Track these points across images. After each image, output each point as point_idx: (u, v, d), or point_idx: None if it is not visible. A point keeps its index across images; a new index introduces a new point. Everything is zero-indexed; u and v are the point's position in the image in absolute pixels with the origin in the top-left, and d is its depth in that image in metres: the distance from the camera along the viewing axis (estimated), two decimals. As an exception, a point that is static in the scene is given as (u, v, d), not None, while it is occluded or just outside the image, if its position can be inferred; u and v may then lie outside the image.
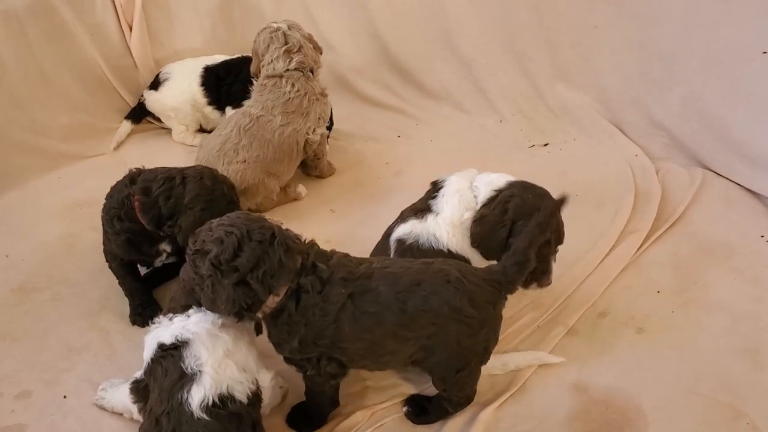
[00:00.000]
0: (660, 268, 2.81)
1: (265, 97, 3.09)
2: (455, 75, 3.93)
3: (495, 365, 2.34)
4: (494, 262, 2.15)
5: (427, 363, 2.06)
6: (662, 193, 3.19)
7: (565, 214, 3.08)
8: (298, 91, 3.09)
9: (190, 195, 2.44)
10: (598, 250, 2.86)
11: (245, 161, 3.02)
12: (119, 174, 3.26)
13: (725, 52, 3.16)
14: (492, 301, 2.02)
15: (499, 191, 2.34)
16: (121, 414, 2.23)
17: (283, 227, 2.01)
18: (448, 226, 2.31)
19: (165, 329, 2.03)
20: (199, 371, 1.92)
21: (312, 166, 3.36)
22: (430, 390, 2.27)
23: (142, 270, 2.77)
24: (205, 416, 1.87)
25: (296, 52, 3.12)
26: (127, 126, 3.69)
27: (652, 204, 3.11)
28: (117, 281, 2.70)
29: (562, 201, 2.36)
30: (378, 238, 2.55)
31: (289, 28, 3.16)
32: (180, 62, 3.70)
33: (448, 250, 2.28)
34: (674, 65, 3.40)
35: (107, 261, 2.69)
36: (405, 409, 2.25)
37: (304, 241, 2.04)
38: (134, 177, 2.54)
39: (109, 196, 2.59)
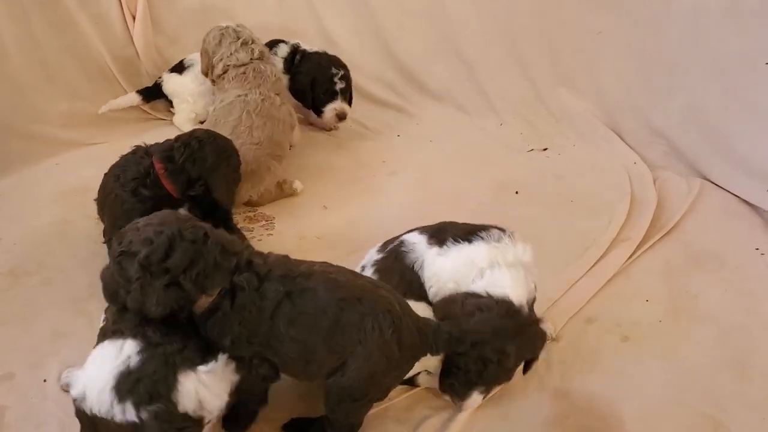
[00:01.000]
0: (651, 277, 2.79)
1: (255, 82, 3.19)
2: (457, 76, 3.94)
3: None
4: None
5: (336, 382, 1.92)
6: (658, 201, 3.18)
7: (558, 219, 3.11)
8: (275, 74, 3.29)
9: (212, 156, 2.67)
10: (589, 257, 2.85)
11: (259, 142, 3.06)
12: None
13: (727, 61, 3.14)
14: (415, 352, 1.96)
15: None
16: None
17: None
18: None
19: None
20: None
21: None
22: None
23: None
24: None
25: (252, 43, 3.33)
26: (133, 98, 3.71)
27: (646, 212, 3.09)
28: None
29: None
30: (369, 235, 2.55)
31: (237, 26, 3.39)
32: None
33: None
34: (676, 73, 3.39)
35: (110, 241, 2.69)
36: None
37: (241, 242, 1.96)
38: (147, 150, 2.70)
39: (122, 170, 2.68)
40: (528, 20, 3.78)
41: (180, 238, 1.79)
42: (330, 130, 3.77)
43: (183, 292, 1.80)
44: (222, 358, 1.86)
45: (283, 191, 3.26)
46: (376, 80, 4.00)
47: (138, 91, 3.75)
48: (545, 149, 3.65)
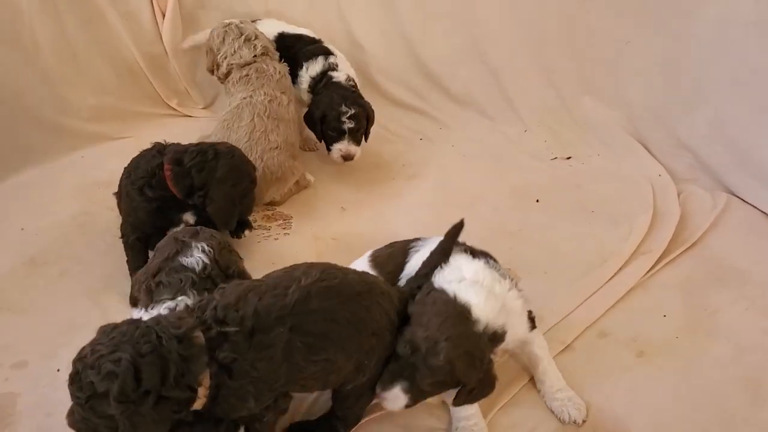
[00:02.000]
0: (670, 292, 2.73)
1: (259, 82, 3.18)
2: (482, 82, 3.91)
3: None
4: None
5: (357, 383, 1.95)
6: (682, 215, 3.11)
7: (577, 228, 3.06)
8: (279, 72, 3.27)
9: (222, 170, 2.62)
10: (607, 269, 2.80)
11: (278, 147, 3.08)
12: None
13: (754, 75, 3.08)
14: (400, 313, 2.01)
15: None
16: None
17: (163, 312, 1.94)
18: None
19: None
20: None
21: None
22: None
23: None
24: None
25: (255, 39, 3.31)
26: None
27: (669, 225, 3.03)
28: (125, 259, 2.76)
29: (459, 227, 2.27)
30: (384, 238, 2.54)
31: (241, 22, 3.36)
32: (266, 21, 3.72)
33: None
34: (702, 85, 3.33)
35: (124, 236, 2.76)
36: None
37: (190, 312, 1.81)
38: (162, 149, 2.70)
39: (134, 167, 2.71)
40: (555, 27, 3.74)
41: (141, 356, 1.64)
42: None
43: (174, 401, 1.68)
44: None
45: (300, 185, 3.29)
46: (400, 84, 3.98)
47: None
48: (569, 158, 3.60)
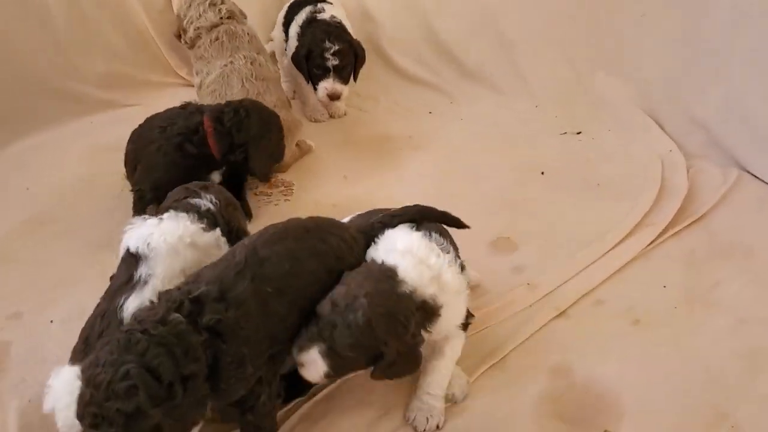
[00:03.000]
0: (671, 264, 2.67)
1: (233, 45, 3.23)
2: (494, 56, 3.87)
3: None
4: None
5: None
6: (690, 189, 3.03)
7: (581, 202, 3.02)
8: (249, 33, 3.29)
9: (257, 126, 2.76)
10: (607, 241, 2.75)
11: (275, 106, 3.08)
12: None
13: (770, 52, 2.99)
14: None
15: None
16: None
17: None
18: None
19: (135, 232, 2.05)
20: (146, 282, 1.93)
21: None
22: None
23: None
24: None
25: (220, 3, 3.33)
26: None
27: (675, 199, 2.96)
28: (128, 219, 2.75)
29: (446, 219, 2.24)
30: (384, 206, 2.51)
31: None
32: None
33: None
34: (718, 62, 3.25)
35: (140, 191, 2.76)
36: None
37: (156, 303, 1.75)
38: (199, 107, 2.81)
39: (169, 123, 2.75)
40: (570, 1, 3.68)
41: (142, 356, 1.58)
42: (332, 116, 3.64)
43: (196, 379, 1.64)
44: None
45: (302, 150, 3.31)
46: (411, 57, 3.96)
47: None
48: (579, 133, 3.55)
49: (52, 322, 2.40)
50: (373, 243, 2.05)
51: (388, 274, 1.87)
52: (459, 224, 2.30)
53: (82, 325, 2.28)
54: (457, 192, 3.07)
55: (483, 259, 2.70)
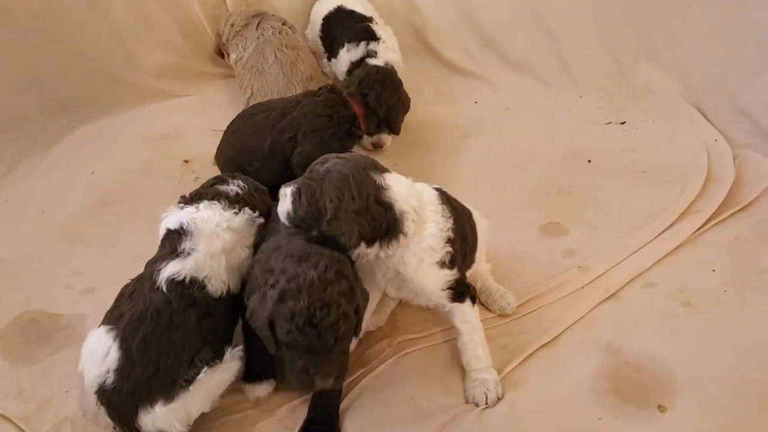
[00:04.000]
0: (719, 249, 2.70)
1: (255, 20, 3.51)
2: (538, 47, 3.90)
3: None
4: None
5: None
6: (736, 178, 3.06)
7: (628, 188, 3.07)
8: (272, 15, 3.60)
9: (393, 98, 3.07)
10: (656, 225, 2.80)
11: (311, 76, 3.26)
12: (204, 113, 3.58)
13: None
14: None
15: None
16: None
17: None
18: None
19: (173, 216, 2.20)
20: (189, 254, 2.07)
21: None
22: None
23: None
24: (163, 288, 1.98)
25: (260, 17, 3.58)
26: None
27: (722, 188, 2.99)
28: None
29: None
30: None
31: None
32: None
33: None
34: (764, 51, 3.26)
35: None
36: None
37: None
38: (332, 90, 2.99)
39: (332, 112, 2.91)
40: (615, -8, 3.72)
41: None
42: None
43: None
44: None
45: None
46: (456, 48, 4.00)
47: None
48: (623, 123, 3.59)
49: (124, 296, 2.51)
50: None
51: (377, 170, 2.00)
52: None
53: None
54: (506, 178, 3.14)
55: (534, 244, 2.78)
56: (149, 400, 1.91)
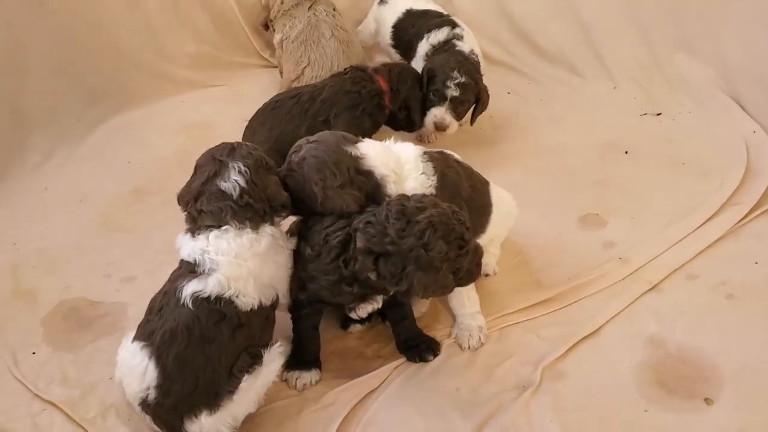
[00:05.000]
0: (760, 242, 2.67)
1: (307, 3, 3.53)
2: (572, 38, 3.87)
3: None
4: None
5: None
6: (776, 170, 3.03)
7: (667, 180, 3.04)
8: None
9: (411, 80, 3.09)
10: (696, 217, 2.77)
11: (363, 60, 3.35)
12: (236, 103, 3.57)
13: None
14: None
15: None
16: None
17: None
18: None
19: (185, 248, 2.06)
20: (209, 275, 1.95)
21: None
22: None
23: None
24: (189, 305, 1.89)
25: None
26: None
27: (762, 179, 2.95)
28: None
29: None
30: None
31: None
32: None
33: None
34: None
35: None
36: None
37: None
38: (360, 68, 3.08)
39: (361, 87, 2.98)
40: (650, -18, 3.68)
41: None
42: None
43: None
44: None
45: None
46: (489, 39, 3.95)
47: None
48: (659, 114, 3.55)
49: (164, 285, 2.52)
50: None
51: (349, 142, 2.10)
52: None
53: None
54: (542, 169, 3.12)
55: (573, 235, 2.76)
56: (193, 412, 1.89)
